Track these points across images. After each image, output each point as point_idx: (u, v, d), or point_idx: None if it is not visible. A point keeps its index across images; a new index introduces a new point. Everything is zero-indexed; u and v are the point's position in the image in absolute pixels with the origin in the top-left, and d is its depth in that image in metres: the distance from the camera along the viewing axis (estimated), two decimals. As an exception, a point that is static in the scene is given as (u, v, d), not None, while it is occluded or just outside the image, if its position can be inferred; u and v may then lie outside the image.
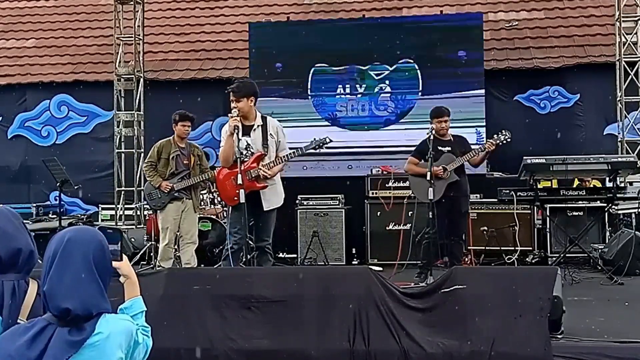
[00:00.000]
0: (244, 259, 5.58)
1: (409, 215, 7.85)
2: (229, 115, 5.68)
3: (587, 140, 9.83)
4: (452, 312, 4.42)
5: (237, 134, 5.50)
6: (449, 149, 7.00)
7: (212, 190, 8.40)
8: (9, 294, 2.28)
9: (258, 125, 5.74)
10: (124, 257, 2.35)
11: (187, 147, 7.38)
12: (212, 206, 8.53)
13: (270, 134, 5.74)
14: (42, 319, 2.11)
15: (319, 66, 9.76)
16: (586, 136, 9.95)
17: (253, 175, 5.61)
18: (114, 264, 2.29)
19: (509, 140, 6.94)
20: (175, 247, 7.36)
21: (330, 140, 5.92)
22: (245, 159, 5.59)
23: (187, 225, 7.25)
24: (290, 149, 5.87)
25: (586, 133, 9.99)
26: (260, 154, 5.68)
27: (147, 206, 8.55)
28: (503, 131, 7.00)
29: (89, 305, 2.08)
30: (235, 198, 5.61)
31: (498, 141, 6.91)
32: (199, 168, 7.36)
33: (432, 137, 6.70)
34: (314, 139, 5.90)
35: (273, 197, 5.76)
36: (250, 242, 5.77)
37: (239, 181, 5.46)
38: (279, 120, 6.10)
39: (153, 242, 8.17)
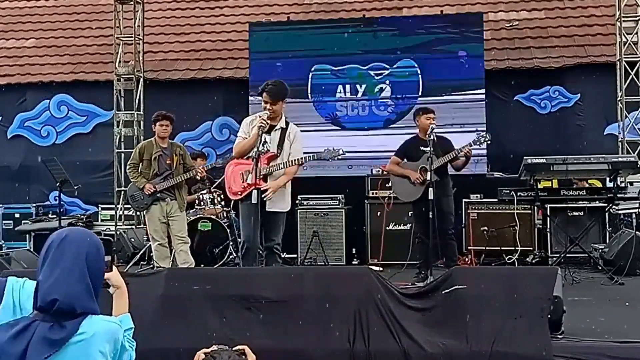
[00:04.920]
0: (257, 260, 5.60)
1: (409, 215, 7.86)
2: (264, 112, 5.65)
3: (587, 140, 9.81)
4: (452, 312, 4.41)
5: (262, 134, 5.51)
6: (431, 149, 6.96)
7: (212, 190, 8.39)
8: None
9: (280, 128, 5.77)
10: (114, 268, 2.37)
11: (169, 147, 7.30)
12: (212, 206, 8.49)
13: (289, 135, 5.76)
14: (26, 317, 2.12)
15: (319, 66, 9.76)
16: (586, 136, 9.93)
17: (261, 174, 5.59)
18: (104, 275, 2.29)
19: (489, 142, 7.02)
20: (172, 247, 7.33)
21: (344, 153, 5.92)
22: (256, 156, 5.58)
23: (177, 226, 7.21)
24: (304, 153, 5.84)
25: (586, 133, 9.97)
26: (273, 155, 5.70)
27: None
28: (483, 133, 7.12)
29: (74, 300, 2.08)
30: (240, 194, 5.68)
31: (478, 143, 6.95)
32: (183, 167, 7.28)
33: (434, 138, 6.71)
34: (327, 149, 5.87)
35: (278, 201, 5.75)
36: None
37: (249, 180, 5.53)
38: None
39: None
